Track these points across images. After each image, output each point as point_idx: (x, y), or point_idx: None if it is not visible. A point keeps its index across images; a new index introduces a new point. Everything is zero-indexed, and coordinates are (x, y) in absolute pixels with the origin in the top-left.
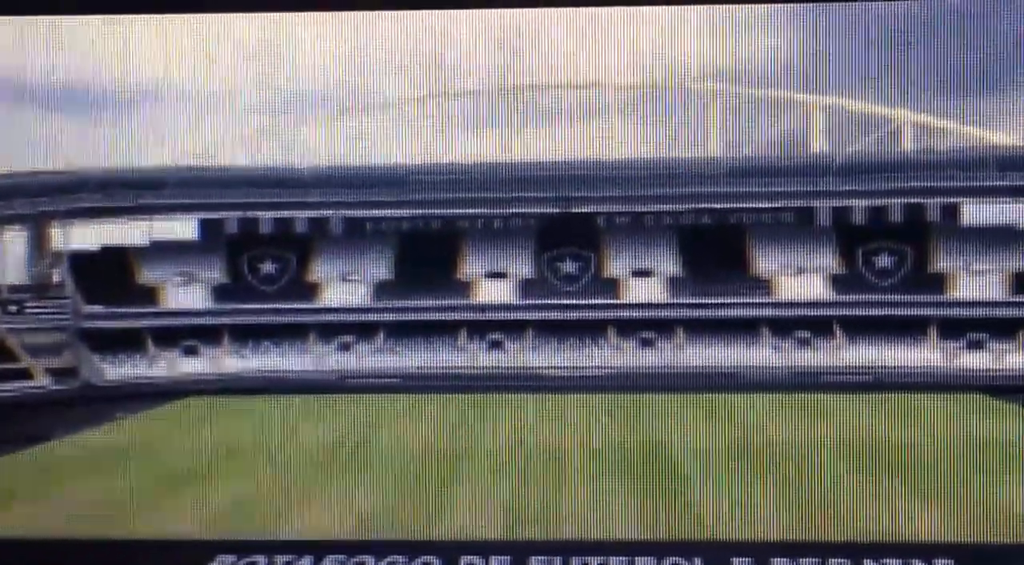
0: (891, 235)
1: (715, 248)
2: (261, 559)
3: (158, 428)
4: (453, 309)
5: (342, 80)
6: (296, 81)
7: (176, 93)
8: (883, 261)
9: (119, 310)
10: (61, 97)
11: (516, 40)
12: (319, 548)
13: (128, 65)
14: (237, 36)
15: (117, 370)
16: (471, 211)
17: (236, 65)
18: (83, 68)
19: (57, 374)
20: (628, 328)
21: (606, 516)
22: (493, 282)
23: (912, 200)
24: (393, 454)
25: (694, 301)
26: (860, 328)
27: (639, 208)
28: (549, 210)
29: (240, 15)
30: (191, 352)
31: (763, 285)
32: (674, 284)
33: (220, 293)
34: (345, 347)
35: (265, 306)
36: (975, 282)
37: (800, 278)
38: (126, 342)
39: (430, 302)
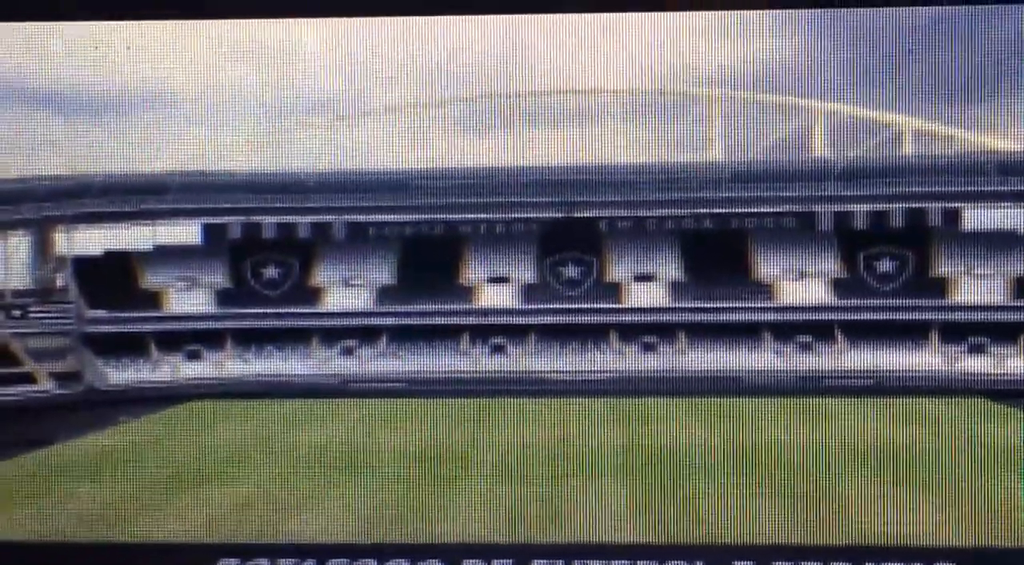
0: (892, 240)
1: (717, 253)
2: (264, 562)
3: (161, 432)
4: (456, 313)
5: (345, 84)
6: (298, 85)
7: (177, 97)
8: (884, 266)
9: (122, 314)
10: (61, 101)
11: (518, 45)
12: (322, 551)
13: (129, 68)
14: (239, 39)
15: (120, 374)
16: (474, 216)
17: (237, 69)
18: (82, 72)
19: (60, 378)
20: (630, 332)
21: (609, 519)
22: (495, 286)
23: (913, 205)
24: (395, 458)
25: (696, 305)
26: (862, 332)
27: (641, 213)
28: (551, 215)
29: (242, 20)
30: (194, 356)
31: (765, 289)
32: (676, 289)
33: (223, 298)
34: (348, 351)
35: (268, 310)
36: (976, 287)
37: (802, 282)
38: (129, 346)
39: (433, 306)
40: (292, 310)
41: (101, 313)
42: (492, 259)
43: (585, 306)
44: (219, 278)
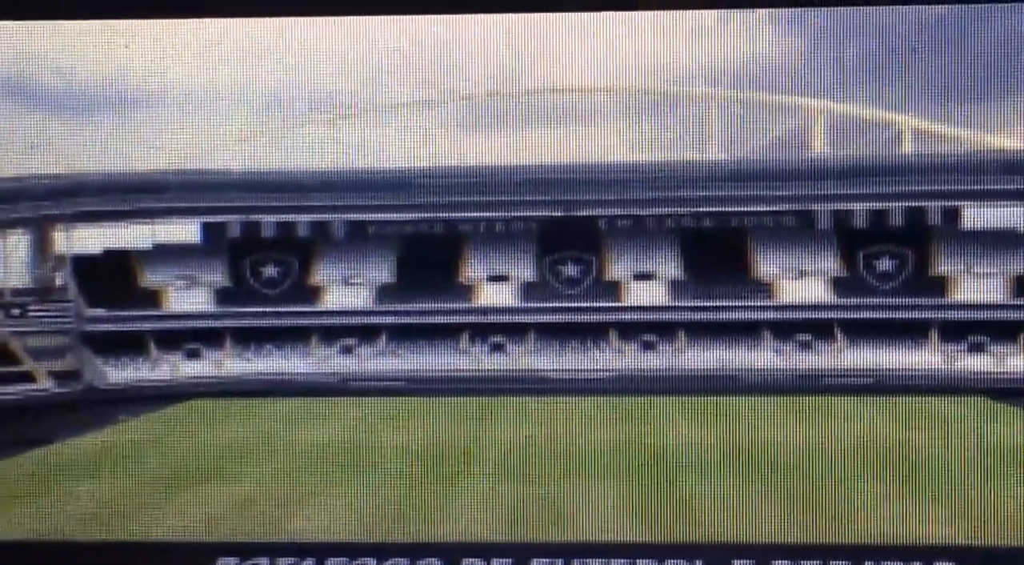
0: (892, 238)
1: (716, 251)
2: (263, 561)
3: (161, 431)
4: (455, 312)
5: (344, 83)
6: (297, 84)
7: (177, 96)
8: (884, 264)
9: (122, 313)
10: (60, 100)
11: (517, 44)
12: (321, 550)
13: (129, 68)
14: (239, 38)
15: (120, 373)
16: (473, 214)
17: (237, 68)
18: (81, 71)
19: (60, 377)
20: (630, 331)
21: (608, 518)
22: (495, 285)
23: (913, 203)
24: (394, 456)
25: (695, 304)
26: (861, 331)
27: (640, 211)
28: (551, 213)
29: (241, 19)
30: (193, 355)
31: (764, 288)
32: (675, 287)
33: (222, 296)
34: (347, 350)
35: (267, 309)
36: (976, 285)
37: (801, 281)
38: (129, 345)
39: (432, 305)
40: (291, 309)
41: (100, 312)
42: (491, 257)
43: (585, 305)
44: (218, 277)
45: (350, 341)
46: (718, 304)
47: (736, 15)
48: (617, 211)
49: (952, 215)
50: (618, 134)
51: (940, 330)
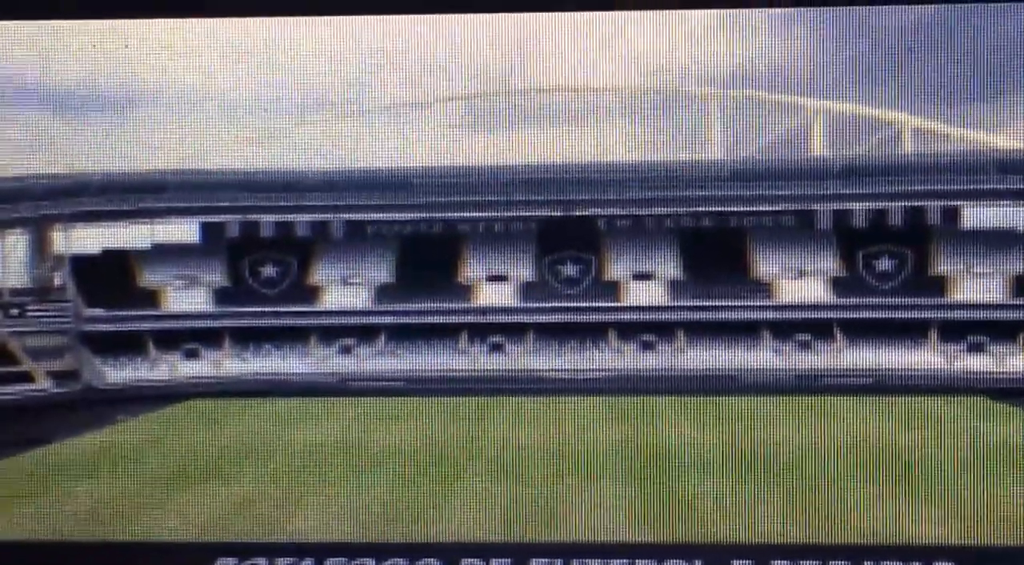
0: (892, 238)
1: (716, 251)
2: (262, 561)
3: (159, 431)
4: (454, 312)
5: (343, 83)
6: (296, 84)
7: (177, 96)
8: (883, 264)
9: (120, 313)
10: (60, 100)
11: (515, 44)
12: (320, 550)
13: (129, 68)
14: (238, 38)
15: (118, 373)
16: (472, 214)
17: (236, 68)
18: (81, 71)
19: (58, 377)
20: (629, 331)
21: (607, 518)
22: (494, 285)
23: (913, 203)
24: (393, 456)
25: (695, 304)
26: (861, 331)
27: (640, 211)
28: (550, 213)
29: (240, 18)
30: (192, 355)
31: (764, 288)
32: (675, 287)
33: (221, 296)
34: (346, 350)
35: (266, 309)
36: (976, 285)
37: (801, 281)
38: (127, 345)
39: (431, 305)
40: (290, 309)
41: (99, 312)
42: (491, 257)
43: (584, 305)
44: (217, 277)
45: (349, 341)
46: (717, 304)
47: (735, 15)
48: (616, 211)
49: (952, 215)
50: (617, 134)
51: (940, 330)
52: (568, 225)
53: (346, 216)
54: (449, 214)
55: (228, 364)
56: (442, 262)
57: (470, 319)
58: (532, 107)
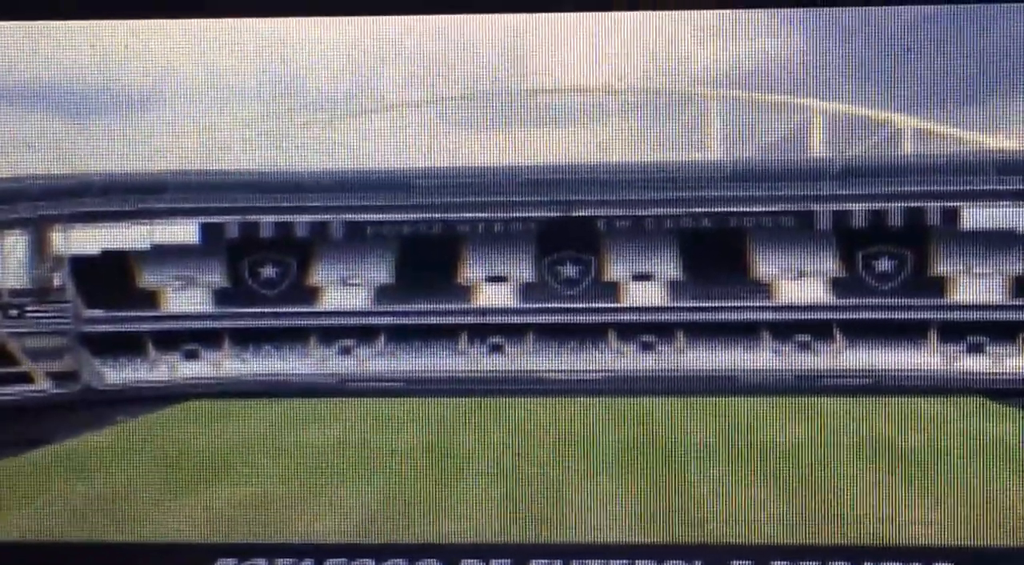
0: (891, 239)
1: (715, 252)
2: (262, 562)
3: (159, 431)
4: (454, 313)
5: (342, 83)
6: (296, 84)
7: (177, 95)
8: (883, 265)
9: (120, 314)
10: (60, 100)
11: (516, 44)
12: (320, 551)
13: (129, 68)
14: (238, 37)
15: (118, 374)
16: (472, 215)
17: (236, 67)
18: (81, 71)
19: (58, 378)
20: (628, 332)
21: (607, 519)
22: (493, 286)
23: (912, 204)
24: (392, 457)
25: (694, 305)
26: (860, 331)
27: (639, 212)
28: (550, 214)
29: (241, 18)
30: (192, 356)
31: (763, 289)
32: (674, 288)
33: (221, 297)
34: (346, 351)
35: (266, 310)
36: (975, 286)
37: (800, 282)
38: (127, 346)
39: (431, 306)
40: (290, 309)
41: (98, 312)
42: (490, 258)
43: (583, 305)
44: (216, 277)
45: (348, 342)
46: (717, 305)
47: (735, 15)
48: (616, 211)
49: (951, 215)
50: (617, 134)
51: (939, 331)
52: (568, 226)
53: (346, 217)
54: (449, 215)
55: (228, 365)
56: (442, 263)
57: (470, 320)
58: (529, 107)
